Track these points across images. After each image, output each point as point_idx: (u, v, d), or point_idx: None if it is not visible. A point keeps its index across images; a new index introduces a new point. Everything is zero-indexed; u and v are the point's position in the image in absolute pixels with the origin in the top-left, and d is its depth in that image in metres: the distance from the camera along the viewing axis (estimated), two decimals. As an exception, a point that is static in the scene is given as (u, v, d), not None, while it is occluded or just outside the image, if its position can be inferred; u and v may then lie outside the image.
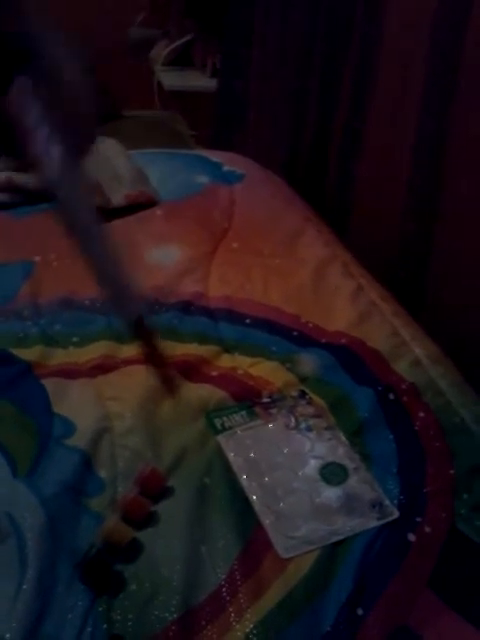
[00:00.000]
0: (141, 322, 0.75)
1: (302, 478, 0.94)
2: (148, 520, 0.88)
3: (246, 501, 0.92)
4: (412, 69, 1.42)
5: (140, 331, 0.79)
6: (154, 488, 0.91)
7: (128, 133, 2.54)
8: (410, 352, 1.18)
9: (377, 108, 1.58)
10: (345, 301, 1.32)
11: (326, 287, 1.37)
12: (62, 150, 0.43)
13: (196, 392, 1.08)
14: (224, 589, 0.81)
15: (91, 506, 0.89)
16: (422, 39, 1.36)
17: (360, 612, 0.79)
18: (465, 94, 1.28)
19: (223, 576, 0.82)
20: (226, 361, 1.16)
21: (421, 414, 1.05)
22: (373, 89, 1.58)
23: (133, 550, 0.84)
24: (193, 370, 1.12)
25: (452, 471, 0.97)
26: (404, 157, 1.46)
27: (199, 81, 3.05)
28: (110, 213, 1.60)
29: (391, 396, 1.08)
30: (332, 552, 0.86)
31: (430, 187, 1.39)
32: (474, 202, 1.29)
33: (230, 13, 2.36)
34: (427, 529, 0.89)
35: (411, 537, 0.88)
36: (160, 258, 1.45)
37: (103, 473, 0.94)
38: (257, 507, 0.91)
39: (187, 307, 1.28)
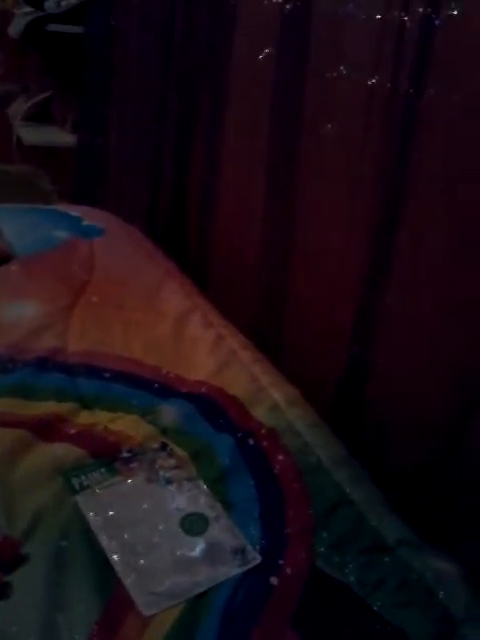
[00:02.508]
0: None
1: (163, 532, 0.93)
2: (0, 592, 0.83)
3: (106, 561, 0.89)
4: (258, 126, 1.50)
5: None
6: (6, 557, 0.86)
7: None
8: (269, 397, 1.22)
9: (228, 165, 1.65)
10: (205, 351, 1.34)
11: (187, 337, 1.39)
12: None
13: (52, 452, 1.04)
14: (83, 657, 0.77)
15: None
16: (265, 97, 1.45)
17: (224, 664, 0.78)
18: (306, 153, 1.37)
19: (82, 644, 0.79)
20: (85, 418, 1.13)
21: (280, 457, 1.08)
22: (224, 146, 1.65)
23: (-18, 627, 0.78)
24: (50, 429, 1.09)
25: (311, 511, 0.99)
26: (256, 212, 1.53)
27: (59, 137, 3.04)
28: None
29: (251, 441, 1.10)
30: (195, 605, 0.85)
31: (281, 240, 1.46)
32: (321, 254, 1.37)
33: (87, 71, 2.39)
34: (288, 571, 0.90)
35: (273, 580, 0.88)
36: (15, 315, 1.40)
37: None
38: (118, 566, 0.88)
39: (43, 363, 1.24)
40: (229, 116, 1.63)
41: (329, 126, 1.34)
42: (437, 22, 1.09)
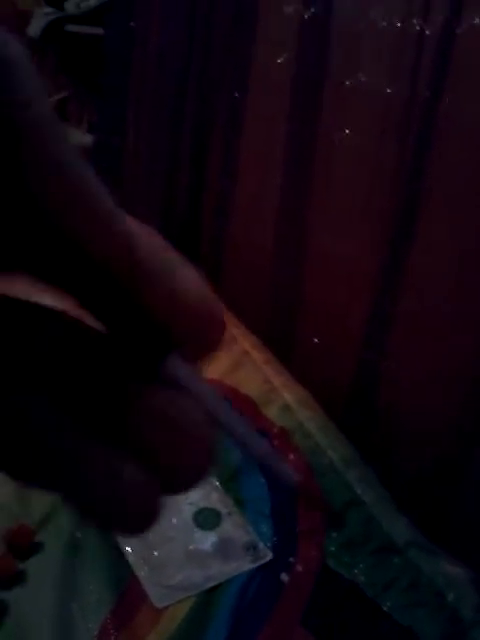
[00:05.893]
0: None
1: (176, 525, 0.94)
2: (15, 579, 0.84)
3: (120, 553, 0.90)
4: (275, 131, 1.51)
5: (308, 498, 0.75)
6: (22, 545, 0.87)
7: None
8: (280, 398, 1.23)
9: (245, 170, 1.66)
10: (219, 350, 1.35)
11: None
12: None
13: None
14: (96, 645, 0.78)
15: (-48, 568, 0.84)
16: (283, 103, 1.47)
17: (235, 656, 0.79)
18: (322, 159, 1.39)
19: (95, 632, 0.80)
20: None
21: (291, 456, 1.09)
22: (240, 151, 1.66)
23: (-2, 612, 0.80)
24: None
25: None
26: (270, 217, 1.54)
27: (75, 137, 3.07)
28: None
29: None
30: (207, 599, 0.86)
31: (296, 241, 1.48)
32: (334, 259, 1.38)
33: (105, 72, 2.41)
34: (299, 568, 0.91)
35: (284, 577, 0.90)
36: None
37: (-33, 532, 0.89)
38: (131, 558, 0.89)
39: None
40: (247, 121, 1.65)
41: (346, 132, 1.36)
42: (458, 31, 1.11)
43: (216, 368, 1.29)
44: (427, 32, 1.17)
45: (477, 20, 1.09)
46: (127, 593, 0.85)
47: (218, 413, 0.32)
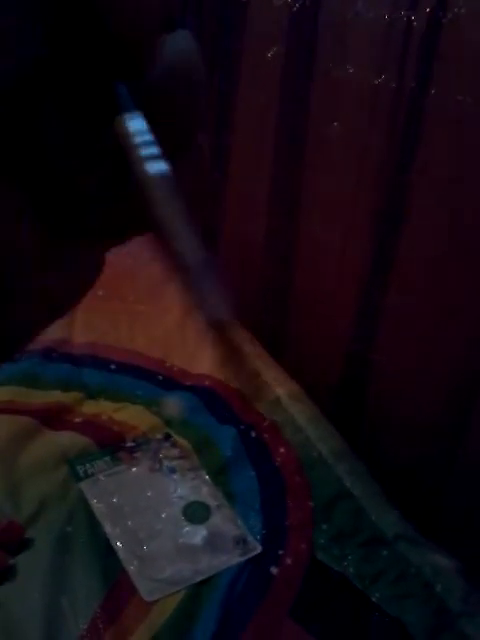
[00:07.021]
0: (222, 325, 0.68)
1: (165, 519, 0.94)
2: (5, 575, 0.84)
3: (110, 547, 0.90)
4: (265, 124, 1.51)
5: (220, 334, 0.72)
6: (12, 540, 0.88)
7: None
8: (271, 392, 1.23)
9: (235, 163, 1.66)
10: (209, 345, 1.35)
11: (191, 332, 1.40)
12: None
13: (58, 440, 1.06)
14: (86, 639, 0.79)
15: None
16: (273, 95, 1.47)
17: (224, 649, 0.79)
18: (312, 151, 1.39)
19: (85, 626, 0.80)
20: (90, 407, 1.15)
21: (282, 450, 1.09)
22: (231, 144, 1.66)
23: (-12, 608, 0.80)
24: (55, 417, 1.10)
25: (311, 503, 1.01)
26: (261, 210, 1.54)
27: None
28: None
29: (253, 434, 1.12)
30: (196, 591, 0.86)
31: (286, 235, 1.47)
32: (324, 251, 1.38)
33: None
34: (288, 561, 0.91)
35: (273, 570, 0.90)
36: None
37: (-43, 528, 0.89)
38: (121, 553, 0.90)
39: (49, 353, 1.26)
40: (237, 114, 1.64)
41: (335, 124, 1.35)
42: (444, 21, 1.11)
43: (206, 362, 1.29)
44: (414, 23, 1.16)
45: (463, 10, 1.09)
46: (116, 587, 0.85)
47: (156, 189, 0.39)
